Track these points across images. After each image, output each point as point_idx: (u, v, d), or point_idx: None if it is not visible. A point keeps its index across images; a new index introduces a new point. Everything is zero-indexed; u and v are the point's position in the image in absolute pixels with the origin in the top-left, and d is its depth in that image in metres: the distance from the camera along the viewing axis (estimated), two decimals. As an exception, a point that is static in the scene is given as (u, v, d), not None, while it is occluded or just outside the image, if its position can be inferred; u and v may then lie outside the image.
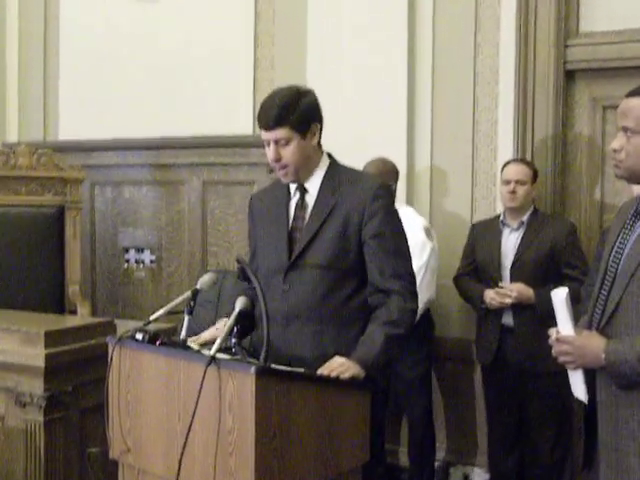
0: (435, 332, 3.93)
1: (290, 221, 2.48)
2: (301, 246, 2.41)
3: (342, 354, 2.27)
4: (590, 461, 2.28)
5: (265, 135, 2.39)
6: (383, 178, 3.51)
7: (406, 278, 2.43)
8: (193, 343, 2.32)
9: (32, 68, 5.29)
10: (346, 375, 2.19)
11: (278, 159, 2.39)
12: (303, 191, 2.48)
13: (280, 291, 2.43)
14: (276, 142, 2.37)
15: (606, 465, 2.13)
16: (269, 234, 2.52)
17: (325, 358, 2.28)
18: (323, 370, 2.21)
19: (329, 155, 2.53)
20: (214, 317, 4.20)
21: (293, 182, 2.48)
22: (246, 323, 2.44)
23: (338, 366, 2.21)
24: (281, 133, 2.36)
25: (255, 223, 2.63)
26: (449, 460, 4.16)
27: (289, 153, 2.38)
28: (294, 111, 2.36)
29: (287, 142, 2.37)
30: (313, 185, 2.47)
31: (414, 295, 2.44)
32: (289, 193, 2.52)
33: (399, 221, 2.48)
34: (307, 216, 2.45)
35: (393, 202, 2.54)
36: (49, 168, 4.44)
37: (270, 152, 2.40)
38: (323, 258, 2.38)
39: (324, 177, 2.47)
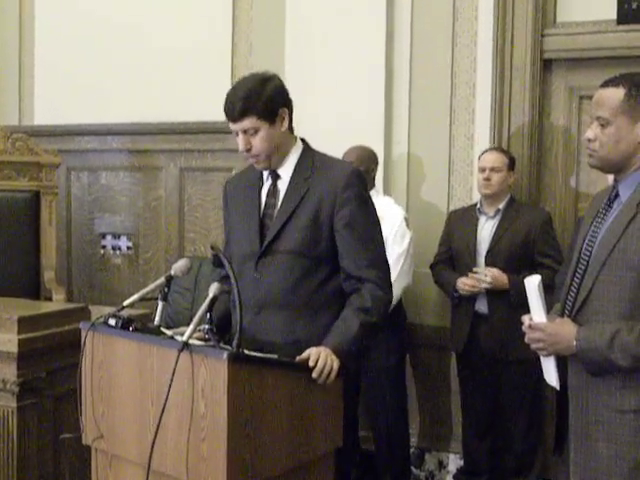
0: (407, 320, 3.94)
1: (262, 207, 2.46)
2: (272, 233, 2.39)
3: (315, 340, 2.26)
4: (561, 446, 2.31)
5: (232, 126, 2.37)
6: (363, 165, 3.54)
7: (381, 267, 2.42)
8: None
9: (7, 52, 5.21)
10: (332, 377, 2.18)
11: (248, 149, 2.37)
12: (275, 177, 2.46)
13: (252, 279, 2.41)
14: (245, 132, 2.35)
15: (575, 450, 2.16)
16: (242, 220, 2.51)
17: (298, 344, 2.28)
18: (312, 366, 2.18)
19: (303, 140, 2.50)
20: (191, 304, 4.22)
21: (266, 169, 2.46)
22: (224, 322, 2.45)
23: (322, 364, 2.17)
24: (248, 123, 2.33)
25: (229, 209, 2.61)
26: (424, 446, 4.19)
27: (258, 142, 2.35)
28: (258, 99, 2.33)
29: (255, 131, 2.34)
30: (285, 171, 2.45)
31: (389, 285, 2.43)
32: (262, 178, 2.50)
33: (372, 209, 2.46)
34: (279, 202, 2.43)
35: (366, 189, 2.52)
36: (24, 153, 4.39)
37: (240, 142, 2.37)
38: (295, 245, 2.36)
39: (297, 163, 2.44)
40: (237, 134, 2.38)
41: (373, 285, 2.36)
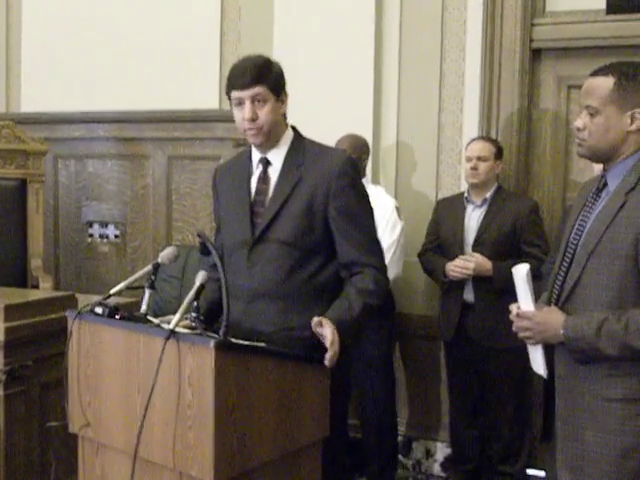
0: (396, 310, 3.95)
1: (252, 195, 2.44)
2: (265, 222, 2.37)
3: (308, 329, 2.23)
4: (548, 434, 2.32)
5: (240, 94, 2.32)
6: (355, 153, 3.54)
7: (379, 255, 2.43)
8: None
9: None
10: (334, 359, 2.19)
11: (255, 118, 2.32)
12: (266, 163, 2.44)
13: (244, 268, 2.40)
14: (252, 101, 2.32)
15: (562, 437, 2.18)
16: (232, 208, 2.49)
17: (289, 331, 2.29)
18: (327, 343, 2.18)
19: (293, 128, 2.49)
20: (179, 292, 4.21)
21: (260, 146, 2.42)
22: (216, 310, 2.43)
23: (334, 351, 2.17)
24: (260, 89, 2.30)
25: (219, 197, 2.59)
26: (412, 435, 4.20)
27: (265, 113, 2.32)
28: (270, 72, 2.34)
29: (264, 101, 2.32)
30: (276, 158, 2.43)
31: (386, 271, 2.45)
32: (251, 166, 2.48)
33: (366, 196, 2.46)
34: (270, 190, 2.41)
35: (360, 177, 2.52)
36: (11, 140, 4.35)
37: (246, 111, 2.32)
38: (288, 235, 2.35)
39: (288, 150, 2.42)
40: (240, 104, 2.33)
41: (374, 270, 2.37)
